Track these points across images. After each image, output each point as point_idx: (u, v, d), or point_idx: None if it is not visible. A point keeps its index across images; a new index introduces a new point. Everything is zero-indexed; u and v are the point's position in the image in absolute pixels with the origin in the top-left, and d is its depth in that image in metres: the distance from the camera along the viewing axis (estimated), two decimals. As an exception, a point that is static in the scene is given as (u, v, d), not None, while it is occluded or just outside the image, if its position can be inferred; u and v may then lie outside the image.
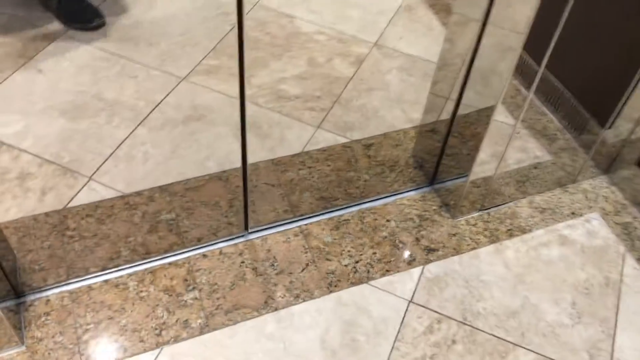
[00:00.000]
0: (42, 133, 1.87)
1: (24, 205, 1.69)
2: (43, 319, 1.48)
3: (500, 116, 2.06)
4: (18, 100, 1.96)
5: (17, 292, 1.51)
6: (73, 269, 1.57)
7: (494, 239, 1.74)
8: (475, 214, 1.80)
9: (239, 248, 1.66)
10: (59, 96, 1.98)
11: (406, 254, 1.68)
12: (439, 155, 1.83)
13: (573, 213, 1.83)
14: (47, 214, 1.68)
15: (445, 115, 1.74)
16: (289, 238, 1.69)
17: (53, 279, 1.55)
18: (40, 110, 1.94)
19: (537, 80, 1.61)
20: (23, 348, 1.43)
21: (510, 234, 1.76)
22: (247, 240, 1.67)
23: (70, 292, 1.54)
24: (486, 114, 1.64)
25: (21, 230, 1.64)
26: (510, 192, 1.86)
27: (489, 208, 1.82)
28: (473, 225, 1.77)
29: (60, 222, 1.67)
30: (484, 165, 1.77)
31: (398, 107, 2.06)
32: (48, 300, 1.52)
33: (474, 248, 1.71)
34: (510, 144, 1.91)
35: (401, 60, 2.22)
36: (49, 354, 1.43)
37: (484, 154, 1.73)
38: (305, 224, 1.72)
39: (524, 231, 1.77)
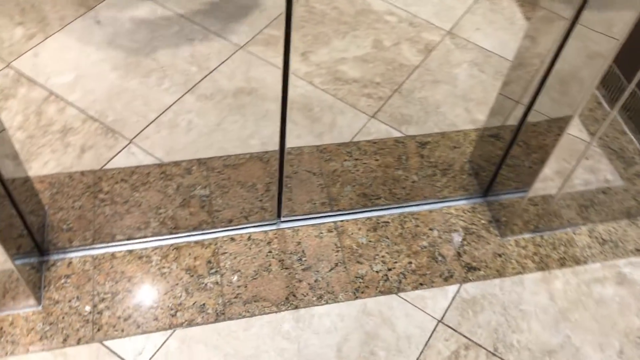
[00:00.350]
0: (91, 87, 1.84)
1: (61, 161, 1.67)
2: (63, 281, 1.47)
3: (574, 129, 1.89)
4: (73, 50, 1.93)
5: (42, 250, 1.50)
6: (99, 234, 1.54)
7: (543, 265, 1.60)
8: (527, 235, 1.65)
9: (268, 236, 1.58)
10: (113, 51, 1.93)
11: (444, 268, 1.57)
12: (498, 165, 1.68)
13: (638, 250, 1.66)
14: (82, 173, 1.66)
15: (513, 120, 1.58)
16: (321, 233, 1.60)
17: (79, 241, 1.53)
18: (92, 63, 1.90)
19: (624, 96, 1.44)
20: (39, 308, 1.42)
21: (562, 263, 1.61)
22: (278, 229, 1.60)
23: (94, 257, 1.51)
24: (559, 124, 1.48)
25: (55, 187, 1.62)
26: (570, 216, 1.70)
27: (544, 231, 1.67)
28: (523, 247, 1.63)
29: (95, 184, 1.64)
30: (546, 181, 1.62)
31: (462, 105, 1.91)
32: (70, 263, 1.50)
33: (519, 273, 1.58)
34: (580, 162, 1.74)
35: (474, 53, 2.05)
36: (63, 318, 1.41)
37: (548, 169, 1.58)
38: (341, 221, 1.63)
39: (578, 262, 1.62)
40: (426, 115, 1.88)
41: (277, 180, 1.55)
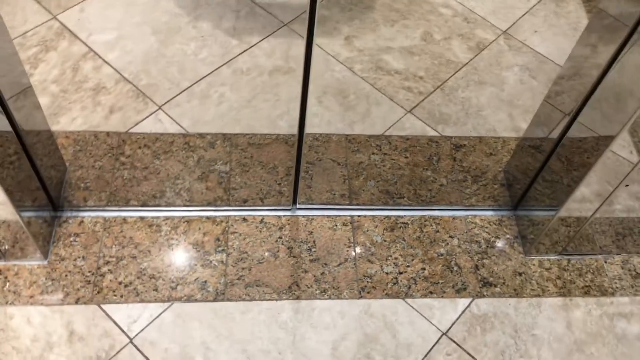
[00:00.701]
0: (129, 48, 1.83)
1: (89, 119, 1.67)
2: (72, 238, 1.47)
3: (625, 151, 1.76)
4: (118, 10, 1.93)
5: (56, 205, 1.51)
6: (114, 197, 1.54)
7: (565, 291, 1.50)
8: (553, 257, 1.56)
9: (281, 221, 1.54)
10: (156, 14, 1.92)
11: (458, 279, 1.49)
12: (534, 178, 1.58)
13: (673, 289, 1.54)
14: (108, 134, 1.65)
15: (558, 133, 1.48)
16: (336, 225, 1.55)
17: (93, 201, 1.53)
18: (135, 24, 1.89)
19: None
20: (45, 262, 1.43)
21: (586, 292, 1.51)
22: (292, 216, 1.56)
23: (105, 219, 1.51)
24: (607, 142, 1.38)
25: (79, 144, 1.62)
26: (604, 243, 1.59)
27: (572, 254, 1.56)
28: (546, 268, 1.53)
29: (118, 146, 1.63)
30: (583, 203, 1.51)
31: (506, 111, 1.81)
32: (82, 222, 1.50)
33: (538, 295, 1.49)
34: (625, 188, 1.61)
35: (528, 57, 1.94)
36: (66, 276, 1.42)
37: (587, 189, 1.47)
38: (358, 215, 1.57)
39: (604, 293, 1.51)
40: (466, 116, 1.78)
41: (294, 164, 1.50)
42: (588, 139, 1.42)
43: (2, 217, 1.34)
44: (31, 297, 1.38)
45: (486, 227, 1.59)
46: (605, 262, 1.57)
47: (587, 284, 1.52)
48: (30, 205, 1.41)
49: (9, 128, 1.27)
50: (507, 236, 1.58)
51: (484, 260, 1.53)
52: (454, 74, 1.88)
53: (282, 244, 1.51)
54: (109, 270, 1.43)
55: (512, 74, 1.89)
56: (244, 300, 1.42)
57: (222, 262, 1.47)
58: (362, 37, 1.94)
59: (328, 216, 1.56)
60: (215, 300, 1.42)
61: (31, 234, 1.38)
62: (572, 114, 1.41)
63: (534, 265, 1.54)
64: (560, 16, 2.06)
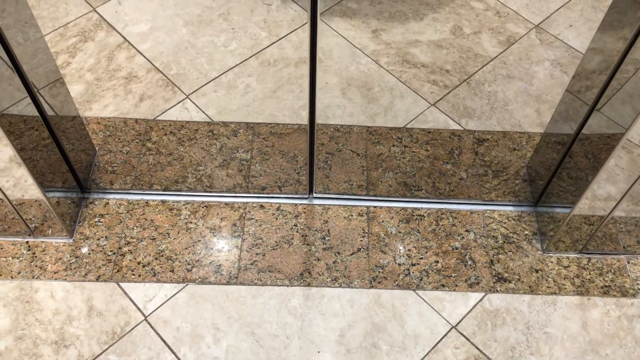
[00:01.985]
0: (162, 39, 1.90)
1: (120, 106, 1.74)
2: (97, 219, 1.54)
3: (657, 149, 1.70)
4: (153, 3, 2.00)
5: (84, 187, 1.58)
6: (139, 181, 1.60)
7: (582, 290, 1.46)
8: (573, 255, 1.52)
9: (297, 209, 1.57)
10: (189, 7, 1.98)
11: (472, 274, 1.48)
12: (557, 173, 1.55)
13: (700, 293, 1.48)
14: (136, 121, 1.72)
15: (586, 129, 1.44)
16: (351, 215, 1.56)
17: (119, 184, 1.59)
18: (168, 16, 1.95)
19: None
20: (70, 241, 1.51)
21: (605, 292, 1.46)
22: (308, 204, 1.58)
23: (129, 202, 1.57)
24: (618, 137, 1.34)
25: (109, 130, 1.69)
26: (628, 242, 1.54)
27: (592, 253, 1.52)
28: (564, 266, 1.50)
29: (145, 132, 1.70)
30: (607, 201, 1.47)
31: (534, 106, 1.77)
32: (107, 203, 1.57)
33: (554, 293, 1.46)
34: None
35: (560, 52, 1.89)
36: (89, 254, 1.49)
37: (614, 187, 1.43)
38: (374, 207, 1.58)
39: (625, 294, 1.46)
40: (491, 111, 1.76)
41: (307, 156, 1.52)
42: (618, 135, 1.38)
43: (32, 196, 1.42)
44: (55, 272, 1.46)
45: (504, 223, 1.56)
46: (628, 262, 1.52)
47: (607, 284, 1.48)
48: (60, 187, 1.49)
49: (37, 114, 1.34)
50: (526, 232, 1.55)
51: (500, 256, 1.51)
52: (481, 68, 1.85)
53: (297, 231, 1.53)
54: (129, 250, 1.49)
55: (543, 68, 1.85)
56: (256, 284, 1.45)
57: (237, 247, 1.51)
58: (390, 31, 1.94)
59: (344, 206, 1.58)
60: (228, 283, 1.45)
61: (58, 213, 1.46)
62: (603, 109, 1.37)
63: (551, 262, 1.50)
64: (597, 10, 2.00)
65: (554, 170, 1.55)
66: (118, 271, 1.46)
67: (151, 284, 1.45)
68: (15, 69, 1.25)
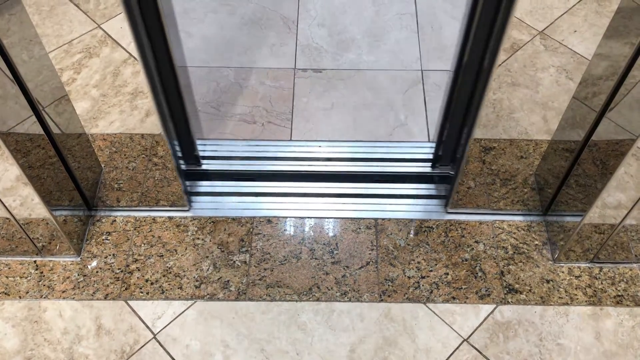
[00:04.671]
0: (166, 55, 1.89)
1: (126, 122, 1.74)
2: (104, 237, 1.54)
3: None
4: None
5: (91, 205, 1.58)
6: (145, 197, 1.60)
7: (595, 300, 1.45)
8: (584, 265, 1.50)
9: (305, 223, 1.56)
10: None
11: (482, 285, 1.46)
12: (563, 180, 1.53)
13: None
14: (142, 136, 1.72)
15: (595, 136, 1.43)
16: (359, 228, 1.55)
17: (125, 201, 1.59)
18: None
19: None
20: (77, 259, 1.50)
21: (618, 301, 1.45)
22: (316, 218, 1.57)
23: (136, 219, 1.57)
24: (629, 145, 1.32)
25: (115, 146, 1.69)
26: (640, 250, 1.53)
27: (604, 262, 1.51)
28: (576, 276, 1.48)
29: (151, 147, 1.69)
30: (617, 209, 1.45)
31: (540, 113, 1.76)
32: (114, 221, 1.57)
33: (566, 304, 1.44)
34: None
35: (565, 58, 1.88)
36: (97, 272, 1.48)
37: (624, 195, 1.42)
38: (382, 219, 1.57)
39: (638, 303, 1.45)
40: (497, 119, 1.75)
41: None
42: (627, 142, 1.36)
43: (39, 215, 1.41)
44: (64, 291, 1.45)
45: (514, 233, 1.55)
46: (641, 271, 1.50)
47: (619, 294, 1.46)
48: (67, 205, 1.49)
49: (42, 132, 1.34)
50: (536, 242, 1.53)
51: (510, 267, 1.49)
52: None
53: (305, 245, 1.52)
54: (137, 268, 1.49)
55: (548, 75, 1.84)
56: (264, 300, 1.44)
57: (245, 262, 1.50)
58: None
59: (352, 219, 1.57)
60: (236, 299, 1.45)
61: (65, 232, 1.46)
62: (611, 115, 1.36)
63: (563, 272, 1.49)
64: (602, 16, 1.99)
65: (562, 178, 1.53)
66: (126, 289, 1.46)
67: (159, 301, 1.44)
68: (19, 87, 1.25)
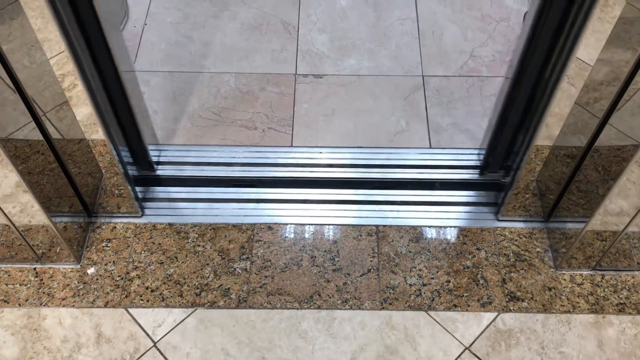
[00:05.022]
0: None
1: (126, 128, 1.74)
2: (104, 244, 1.53)
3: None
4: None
5: (91, 211, 1.57)
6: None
7: (597, 308, 1.44)
8: (586, 272, 1.50)
9: (306, 230, 1.55)
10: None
11: (484, 293, 1.46)
12: (565, 186, 1.52)
13: None
14: (142, 143, 1.71)
15: (598, 142, 1.42)
16: (360, 235, 1.54)
17: (126, 208, 1.58)
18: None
19: None
20: (77, 266, 1.50)
21: (620, 309, 1.44)
22: (317, 224, 1.56)
23: (136, 225, 1.56)
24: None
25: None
26: (642, 258, 1.52)
27: (606, 270, 1.50)
28: (578, 284, 1.48)
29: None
30: (619, 216, 1.45)
31: (542, 119, 1.75)
32: (114, 227, 1.56)
33: (568, 311, 1.43)
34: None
35: (568, 64, 1.87)
36: (97, 280, 1.47)
37: (626, 202, 1.41)
38: (384, 226, 1.56)
39: (640, 311, 1.44)
40: (499, 125, 1.74)
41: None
42: (628, 148, 1.36)
43: (39, 222, 1.41)
44: (63, 299, 1.45)
45: (516, 240, 1.54)
46: (643, 278, 1.50)
47: (622, 302, 1.45)
48: (67, 212, 1.48)
49: (42, 138, 1.34)
50: (538, 249, 1.53)
51: (512, 274, 1.49)
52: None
53: (306, 252, 1.52)
54: (137, 275, 1.48)
55: (550, 81, 1.83)
56: (265, 308, 1.44)
57: (245, 269, 1.49)
58: (395, 46, 1.92)
59: (353, 225, 1.56)
60: (237, 307, 1.44)
61: (66, 239, 1.45)
62: (612, 121, 1.35)
63: (564, 280, 1.48)
64: (604, 21, 1.98)
65: (564, 184, 1.53)
66: (126, 296, 1.45)
67: (160, 309, 1.44)
68: (19, 92, 1.25)
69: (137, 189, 1.58)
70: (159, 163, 1.66)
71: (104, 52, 1.27)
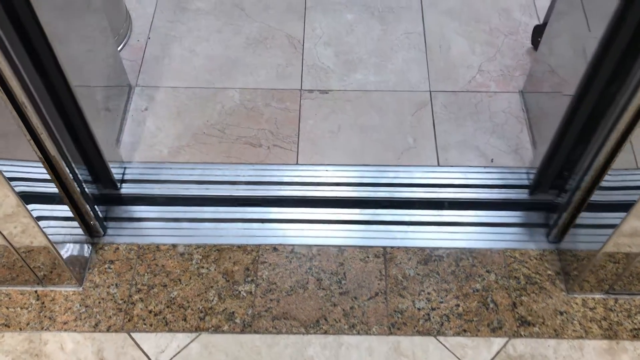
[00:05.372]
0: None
1: (129, 146, 1.71)
2: (107, 266, 1.50)
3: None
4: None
5: (93, 232, 1.55)
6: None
7: (611, 334, 1.41)
8: (598, 296, 1.46)
9: (312, 251, 1.52)
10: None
11: (494, 317, 1.43)
12: (579, 205, 1.49)
13: None
14: (146, 161, 1.68)
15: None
16: (367, 257, 1.51)
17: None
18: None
19: None
20: (79, 289, 1.47)
21: (635, 335, 1.41)
22: (322, 246, 1.53)
23: (139, 246, 1.53)
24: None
25: (118, 171, 1.66)
26: (656, 281, 1.48)
27: (620, 294, 1.47)
28: (590, 308, 1.44)
29: (155, 172, 1.66)
30: (632, 237, 1.41)
31: (552, 137, 1.72)
32: (117, 249, 1.53)
33: (580, 337, 1.40)
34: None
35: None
36: (99, 303, 1.45)
37: (638, 222, 1.38)
38: (392, 247, 1.53)
39: (655, 336, 1.41)
40: (508, 143, 1.71)
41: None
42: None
43: (40, 243, 1.38)
44: (65, 323, 1.42)
45: (526, 263, 1.51)
46: (657, 302, 1.46)
47: (636, 327, 1.42)
48: (68, 233, 1.45)
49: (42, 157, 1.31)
50: (549, 272, 1.50)
51: (523, 298, 1.46)
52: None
53: (312, 275, 1.49)
54: (140, 298, 1.45)
55: (560, 97, 1.80)
56: (270, 333, 1.41)
57: (250, 292, 1.46)
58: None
59: (360, 247, 1.53)
60: (242, 332, 1.41)
61: (67, 261, 1.42)
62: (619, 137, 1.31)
63: (576, 304, 1.45)
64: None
65: (577, 205, 1.49)
66: (129, 320, 1.42)
67: (163, 333, 1.41)
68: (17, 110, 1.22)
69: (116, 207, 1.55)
70: (123, 181, 1.63)
71: (53, 68, 1.21)
